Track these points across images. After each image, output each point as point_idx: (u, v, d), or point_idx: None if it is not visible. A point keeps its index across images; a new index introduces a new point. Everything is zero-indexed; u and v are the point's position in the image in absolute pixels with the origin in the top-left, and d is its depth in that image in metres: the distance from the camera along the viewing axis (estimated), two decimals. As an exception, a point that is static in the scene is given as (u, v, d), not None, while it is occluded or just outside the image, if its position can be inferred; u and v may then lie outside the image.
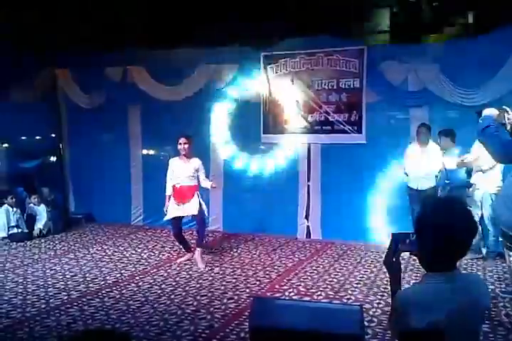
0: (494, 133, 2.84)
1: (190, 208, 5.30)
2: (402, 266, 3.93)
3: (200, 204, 5.33)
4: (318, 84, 6.61)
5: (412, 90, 6.17)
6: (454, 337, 1.53)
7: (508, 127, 2.95)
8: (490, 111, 2.93)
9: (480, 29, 6.04)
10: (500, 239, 4.73)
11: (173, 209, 5.36)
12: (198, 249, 5.41)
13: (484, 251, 5.39)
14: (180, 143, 5.35)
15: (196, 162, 5.43)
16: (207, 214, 5.66)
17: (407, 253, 4.66)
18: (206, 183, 5.46)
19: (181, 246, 5.72)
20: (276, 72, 6.81)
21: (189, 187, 5.36)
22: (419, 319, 1.49)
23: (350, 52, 6.45)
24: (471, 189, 5.41)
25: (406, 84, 6.18)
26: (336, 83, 6.52)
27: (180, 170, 5.38)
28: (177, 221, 5.43)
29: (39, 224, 6.89)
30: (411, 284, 4.37)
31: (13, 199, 6.79)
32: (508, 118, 2.93)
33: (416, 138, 5.83)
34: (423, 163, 5.78)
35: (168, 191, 5.45)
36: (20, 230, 6.75)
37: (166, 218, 5.50)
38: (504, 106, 2.98)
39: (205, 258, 5.51)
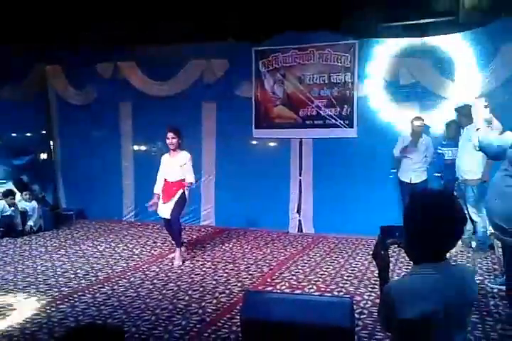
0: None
1: (166, 210, 5.21)
2: (391, 259, 3.95)
3: (179, 204, 5.17)
4: (310, 79, 6.62)
5: (404, 84, 6.19)
6: (444, 327, 1.54)
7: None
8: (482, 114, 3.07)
9: (471, 23, 6.08)
10: (491, 231, 4.79)
11: (159, 206, 5.31)
12: (177, 248, 5.33)
13: (474, 243, 5.44)
14: (168, 138, 5.20)
15: (183, 156, 5.25)
16: (181, 212, 5.38)
17: (396, 246, 4.68)
18: (191, 179, 5.21)
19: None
20: (268, 67, 6.81)
21: (174, 183, 5.22)
22: (410, 309, 1.50)
23: (341, 47, 6.46)
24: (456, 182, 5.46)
25: (397, 79, 6.20)
26: (328, 77, 6.54)
27: (167, 165, 5.29)
28: (165, 218, 5.32)
29: (30, 221, 6.85)
30: (401, 276, 4.40)
31: (14, 200, 6.70)
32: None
33: (410, 131, 5.83)
34: (415, 156, 5.81)
35: (156, 189, 5.33)
36: (11, 227, 6.68)
37: (158, 212, 5.43)
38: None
39: (183, 256, 5.40)
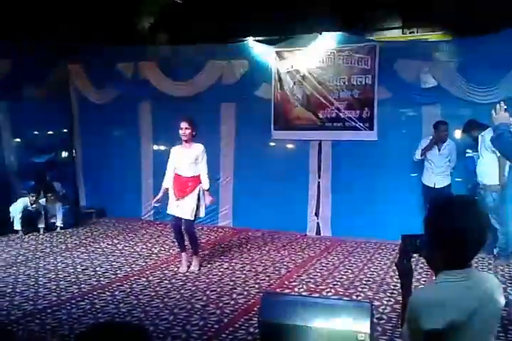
0: (508, 139, 2.86)
1: (186, 210, 4.83)
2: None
3: (197, 204, 4.87)
4: (330, 81, 6.59)
5: (425, 87, 6.11)
6: (472, 336, 1.50)
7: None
8: (502, 118, 2.93)
9: (493, 27, 5.98)
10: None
11: (172, 205, 4.93)
12: (194, 256, 5.10)
13: (496, 250, 5.34)
14: (182, 128, 4.84)
15: (198, 148, 4.93)
16: (203, 214, 5.10)
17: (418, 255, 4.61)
18: (205, 184, 4.92)
19: (176, 242, 5.22)
20: (288, 68, 6.79)
21: (190, 178, 4.89)
22: (436, 318, 1.45)
23: (362, 49, 6.42)
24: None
25: (418, 81, 6.13)
26: (348, 79, 6.49)
27: (180, 159, 4.93)
28: (177, 217, 4.92)
29: (58, 221, 6.93)
30: (419, 285, 4.35)
31: (34, 197, 6.77)
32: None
33: (434, 135, 5.75)
34: (438, 161, 5.73)
35: (166, 183, 4.99)
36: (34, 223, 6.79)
37: (168, 212, 5.02)
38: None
39: (189, 261, 5.15)
